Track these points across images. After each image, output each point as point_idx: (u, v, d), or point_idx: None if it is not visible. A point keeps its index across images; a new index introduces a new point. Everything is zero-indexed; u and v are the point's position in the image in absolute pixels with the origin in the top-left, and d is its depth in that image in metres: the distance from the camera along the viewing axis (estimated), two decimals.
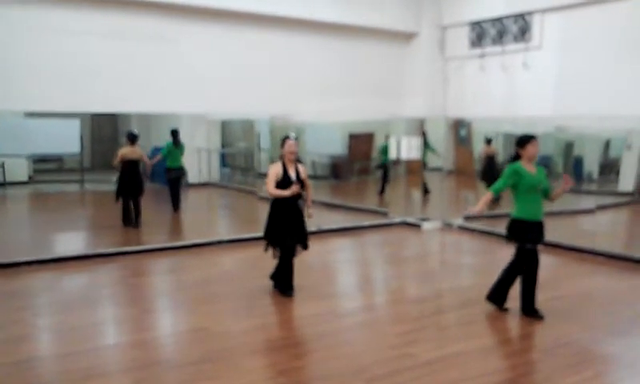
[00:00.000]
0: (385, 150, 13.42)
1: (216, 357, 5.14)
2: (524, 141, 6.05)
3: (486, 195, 6.17)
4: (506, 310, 6.31)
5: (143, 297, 7.19)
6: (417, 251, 10.04)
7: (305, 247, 6.94)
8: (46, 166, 14.50)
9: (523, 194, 6.04)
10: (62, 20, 8.70)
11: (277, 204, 6.78)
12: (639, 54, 8.75)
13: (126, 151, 10.60)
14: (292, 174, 6.74)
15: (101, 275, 8.08)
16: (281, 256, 6.89)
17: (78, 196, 13.98)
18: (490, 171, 13.02)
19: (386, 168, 13.83)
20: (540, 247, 6.14)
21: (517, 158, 6.12)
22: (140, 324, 6.07)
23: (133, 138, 10.68)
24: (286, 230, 6.77)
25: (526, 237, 6.05)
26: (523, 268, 6.14)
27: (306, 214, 6.93)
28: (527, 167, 6.04)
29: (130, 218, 10.78)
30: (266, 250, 6.94)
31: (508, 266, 6.31)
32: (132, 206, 10.75)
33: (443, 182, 12.49)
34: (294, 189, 6.62)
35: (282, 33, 10.57)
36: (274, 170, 6.74)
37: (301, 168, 6.88)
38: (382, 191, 14.05)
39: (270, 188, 6.70)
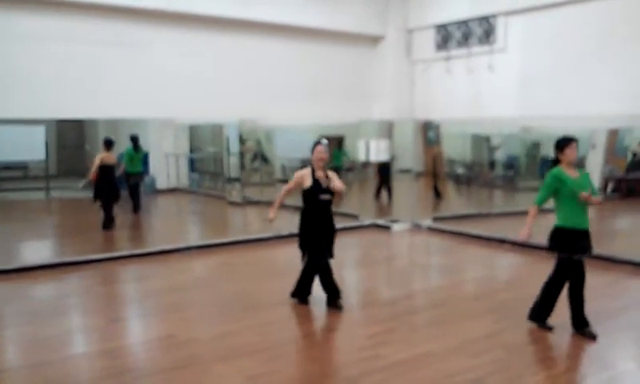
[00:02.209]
0: (336, 155, 13.50)
1: (185, 364, 5.09)
2: (562, 144, 5.67)
3: (531, 211, 5.76)
4: (549, 328, 5.85)
5: (111, 305, 7.08)
6: (387, 253, 10.09)
7: (331, 255, 6.65)
8: (10, 173, 14.20)
9: (566, 200, 5.62)
10: (26, 26, 8.56)
11: (307, 212, 6.53)
12: (601, 55, 8.94)
13: (102, 157, 10.57)
14: (322, 181, 6.41)
15: (68, 284, 7.94)
16: (309, 261, 6.58)
17: (44, 203, 13.72)
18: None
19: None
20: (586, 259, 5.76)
21: (556, 162, 5.75)
22: (108, 333, 5.98)
23: (109, 144, 10.67)
24: (319, 239, 6.49)
25: (571, 247, 5.64)
26: (566, 280, 5.76)
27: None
28: (568, 172, 5.64)
29: (110, 223, 10.73)
30: (302, 259, 6.64)
31: (549, 280, 5.88)
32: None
33: (413, 183, 12.58)
34: (339, 186, 6.45)
35: (250, 37, 10.55)
36: (300, 174, 6.49)
37: (332, 175, 6.56)
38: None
39: (283, 188, 6.62)
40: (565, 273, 5.75)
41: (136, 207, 11.96)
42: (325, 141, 6.60)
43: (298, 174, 6.55)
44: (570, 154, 5.64)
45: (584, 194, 5.51)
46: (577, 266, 5.68)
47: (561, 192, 5.62)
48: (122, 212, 11.42)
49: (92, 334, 6.01)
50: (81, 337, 6.01)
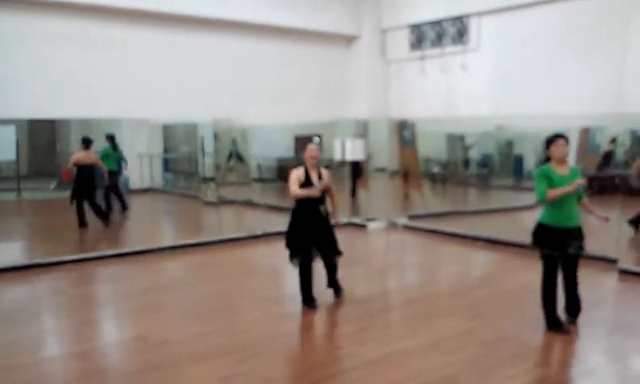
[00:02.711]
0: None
1: (158, 365, 5.04)
2: (548, 141, 5.70)
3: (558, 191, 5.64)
4: (565, 331, 5.74)
5: (84, 307, 6.98)
6: (363, 251, 10.11)
7: (337, 253, 6.73)
8: None
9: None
10: None
11: (298, 210, 6.50)
12: (573, 54, 9.07)
13: (79, 156, 10.45)
14: (314, 178, 6.44)
15: (39, 286, 7.82)
16: (300, 264, 6.56)
17: (15, 204, 13.49)
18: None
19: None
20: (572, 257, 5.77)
21: (548, 159, 5.75)
22: (81, 335, 5.90)
23: (88, 143, 10.56)
24: (307, 237, 6.48)
25: (551, 243, 5.67)
26: (554, 277, 5.79)
27: (331, 219, 6.66)
28: (558, 169, 5.64)
29: (85, 221, 10.64)
30: (290, 260, 6.61)
31: (541, 281, 5.87)
32: (86, 208, 10.63)
33: (388, 182, 12.63)
34: (320, 186, 6.34)
35: (225, 36, 10.50)
36: (296, 173, 6.43)
37: (324, 173, 6.58)
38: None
39: (294, 188, 6.38)
40: (549, 269, 5.79)
41: (123, 206, 11.97)
42: (317, 139, 6.63)
43: (293, 173, 6.52)
44: (555, 150, 5.65)
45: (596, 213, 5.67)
46: (566, 261, 5.76)
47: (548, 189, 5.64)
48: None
49: (64, 337, 5.94)
50: (53, 339, 5.92)
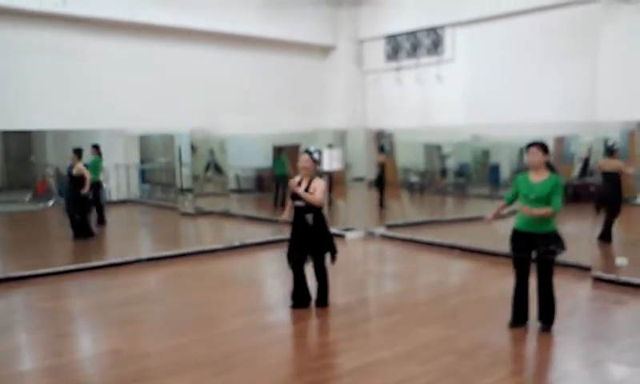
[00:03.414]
0: (279, 164, 13.55)
1: (133, 378, 4.98)
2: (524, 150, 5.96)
3: (500, 202, 6.24)
4: (514, 326, 6.11)
5: (57, 321, 6.86)
6: (341, 261, 10.05)
7: (319, 257, 6.84)
8: None
9: (521, 203, 5.90)
10: None
11: (293, 219, 6.82)
12: (547, 64, 9.20)
13: (81, 166, 10.51)
14: (302, 188, 6.59)
15: (12, 300, 7.70)
16: (292, 269, 6.85)
17: None
18: (381, 179, 13.29)
19: (281, 180, 13.83)
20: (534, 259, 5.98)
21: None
22: (54, 349, 5.81)
23: (81, 154, 10.55)
24: (293, 244, 6.77)
25: (514, 245, 5.99)
26: (521, 279, 6.05)
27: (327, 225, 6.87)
28: (531, 176, 5.87)
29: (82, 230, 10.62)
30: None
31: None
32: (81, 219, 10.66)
33: (366, 192, 12.66)
34: (291, 187, 6.62)
35: (201, 46, 10.48)
36: (292, 182, 6.70)
37: (315, 183, 6.64)
38: (278, 204, 14.03)
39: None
40: (516, 271, 6.05)
41: (101, 219, 11.82)
42: (311, 149, 6.77)
43: (291, 181, 6.75)
44: (526, 158, 5.89)
45: (525, 208, 5.76)
46: (518, 263, 6.01)
47: (519, 195, 5.92)
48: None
49: (38, 351, 5.85)
50: (26, 353, 5.83)
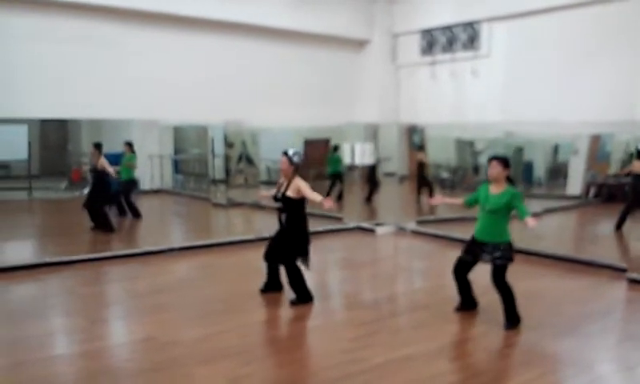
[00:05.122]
0: (334, 161, 13.52)
1: (166, 366, 5.07)
2: None
3: (457, 199, 6.45)
4: (458, 309, 6.55)
5: (93, 306, 7.02)
6: (371, 256, 10.11)
7: (282, 260, 6.88)
8: None
9: (479, 211, 6.19)
10: (8, 25, 8.49)
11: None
12: (583, 61, 9.05)
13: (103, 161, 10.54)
14: (281, 189, 6.76)
15: (49, 285, 7.87)
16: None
17: (26, 204, 13.60)
18: (421, 177, 13.25)
19: (335, 178, 13.87)
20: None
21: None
22: (89, 334, 5.93)
23: (100, 148, 10.60)
24: (271, 240, 7.00)
25: (465, 247, 6.34)
26: (456, 275, 6.47)
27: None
28: (491, 188, 6.12)
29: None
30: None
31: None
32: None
33: (397, 186, 12.63)
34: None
35: (236, 39, 10.56)
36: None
37: (297, 183, 6.68)
38: (338, 198, 14.12)
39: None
40: (456, 266, 6.45)
41: (135, 213, 12.08)
42: (290, 151, 6.83)
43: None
44: (488, 171, 6.11)
45: (531, 220, 5.81)
46: (459, 261, 6.37)
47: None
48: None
49: (73, 335, 5.97)
50: (61, 338, 5.96)
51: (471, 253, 6.24)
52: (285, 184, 6.78)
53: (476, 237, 6.19)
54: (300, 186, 6.66)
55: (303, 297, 6.81)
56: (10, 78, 8.50)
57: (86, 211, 10.68)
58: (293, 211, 6.75)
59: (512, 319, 6.07)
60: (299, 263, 6.79)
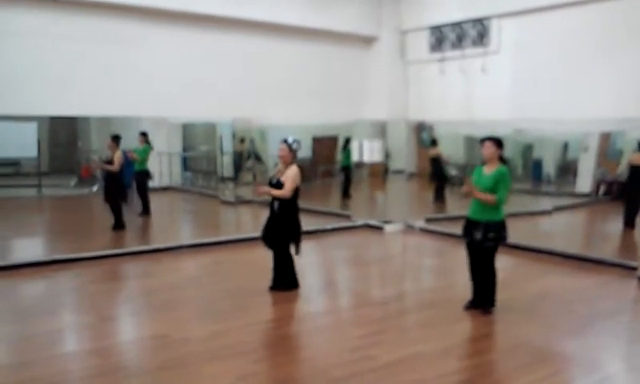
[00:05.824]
0: (346, 154, 13.53)
1: (175, 364, 5.08)
2: None
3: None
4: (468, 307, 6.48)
5: (102, 304, 7.05)
6: (379, 253, 10.10)
7: (275, 245, 7.09)
8: (2, 170, 14.16)
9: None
10: (19, 23, 8.52)
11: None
12: (594, 58, 8.98)
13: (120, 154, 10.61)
14: (277, 176, 7.00)
15: (59, 282, 7.91)
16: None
17: (35, 201, 13.68)
18: (437, 172, 13.26)
19: (347, 171, 13.93)
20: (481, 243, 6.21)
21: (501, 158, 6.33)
22: (99, 331, 5.97)
23: (118, 141, 10.68)
24: (264, 228, 7.13)
25: (463, 230, 6.40)
26: (471, 260, 6.40)
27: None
28: (484, 168, 6.27)
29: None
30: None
31: None
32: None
33: (405, 184, 12.60)
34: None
35: (244, 35, 10.54)
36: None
37: (289, 171, 6.92)
38: (345, 194, 14.13)
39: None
40: (467, 253, 6.39)
41: (146, 209, 12.07)
42: (289, 138, 7.03)
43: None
44: (482, 151, 6.22)
45: (466, 187, 6.17)
46: (467, 246, 6.34)
47: None
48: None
49: (82, 332, 6.00)
50: (71, 335, 5.98)
51: (469, 234, 6.29)
52: (282, 171, 6.97)
53: (469, 216, 6.28)
54: (288, 174, 6.89)
55: (290, 283, 7.13)
56: (20, 75, 8.53)
57: (107, 206, 10.69)
58: (285, 198, 6.93)
59: (489, 302, 6.29)
60: (291, 249, 7.07)
